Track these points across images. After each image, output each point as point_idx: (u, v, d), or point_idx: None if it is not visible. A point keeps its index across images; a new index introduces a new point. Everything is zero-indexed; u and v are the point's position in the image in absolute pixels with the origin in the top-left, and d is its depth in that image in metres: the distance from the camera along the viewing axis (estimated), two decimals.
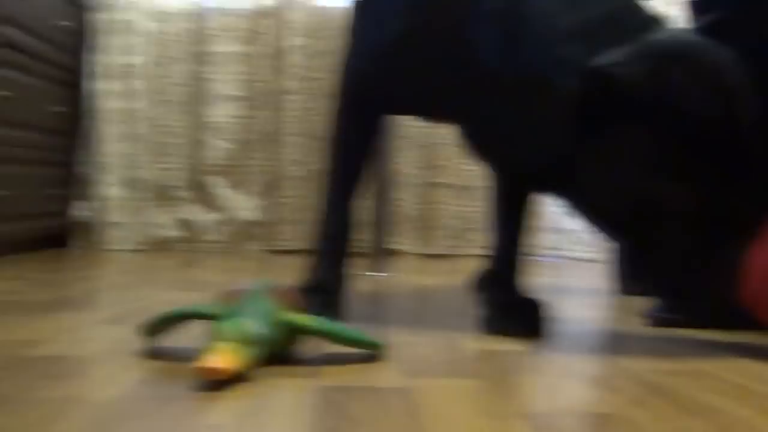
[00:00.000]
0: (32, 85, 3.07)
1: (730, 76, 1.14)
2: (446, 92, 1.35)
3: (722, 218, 1.14)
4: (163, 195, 3.59)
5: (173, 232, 3.58)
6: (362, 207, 2.78)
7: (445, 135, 3.56)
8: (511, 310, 1.38)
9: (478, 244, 3.50)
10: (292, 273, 2.37)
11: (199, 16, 3.60)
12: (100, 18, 3.57)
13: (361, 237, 2.89)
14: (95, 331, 1.30)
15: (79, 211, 3.56)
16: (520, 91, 1.24)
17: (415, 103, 1.47)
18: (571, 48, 1.19)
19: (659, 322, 1.48)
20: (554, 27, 1.20)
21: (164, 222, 3.58)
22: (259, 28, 3.59)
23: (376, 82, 1.44)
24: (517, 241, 1.50)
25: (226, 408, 0.82)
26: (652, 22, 1.21)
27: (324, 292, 1.42)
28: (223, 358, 0.89)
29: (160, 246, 3.56)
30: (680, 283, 1.19)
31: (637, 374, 1.04)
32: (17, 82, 2.93)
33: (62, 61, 3.34)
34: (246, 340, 0.93)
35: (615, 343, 1.30)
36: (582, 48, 1.18)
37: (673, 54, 1.14)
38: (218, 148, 3.59)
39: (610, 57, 1.14)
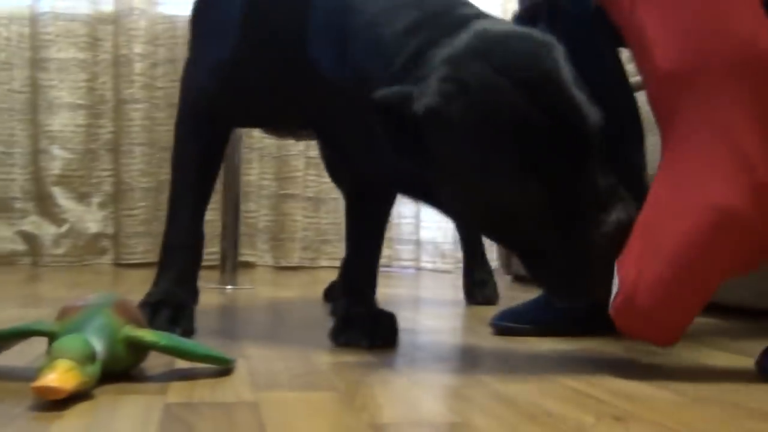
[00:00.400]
0: None
1: (545, 63, 1.09)
2: (290, 105, 1.35)
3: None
4: (2, 207, 3.44)
5: (15, 246, 3.44)
6: (212, 219, 2.75)
7: (297, 146, 3.56)
8: (361, 321, 1.39)
9: (334, 256, 3.52)
10: (143, 287, 2.32)
11: (33, 20, 3.47)
12: None
13: (212, 249, 2.86)
14: None
15: None
16: (354, 103, 1.24)
17: (260, 116, 1.46)
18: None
19: (502, 330, 1.52)
20: (376, 38, 1.19)
21: (5, 235, 3.44)
22: (99, 35, 3.50)
23: (216, 97, 1.42)
24: (368, 252, 1.51)
25: (68, 428, 0.78)
26: (475, 18, 1.18)
27: (171, 306, 1.38)
28: (60, 377, 0.85)
29: (1, 260, 3.42)
30: (568, 286, 1.14)
31: (483, 383, 1.06)
32: None
33: None
34: (85, 358, 0.90)
35: (465, 353, 1.33)
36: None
37: (473, 53, 1.09)
38: (60, 158, 3.46)
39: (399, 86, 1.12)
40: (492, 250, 3.72)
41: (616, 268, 1.09)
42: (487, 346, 1.39)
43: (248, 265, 3.47)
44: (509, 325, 1.51)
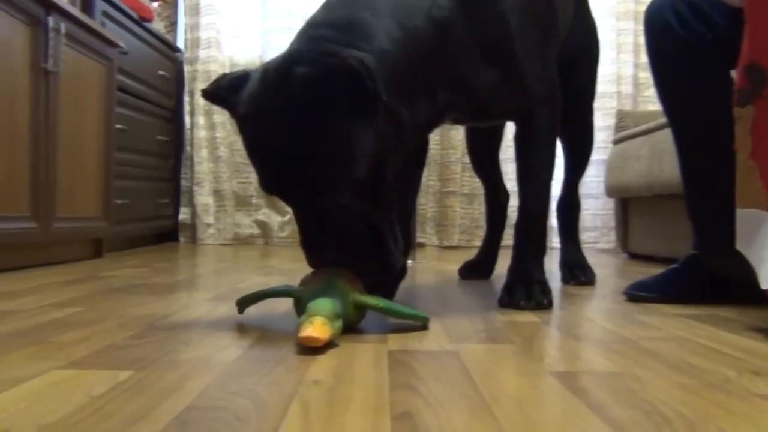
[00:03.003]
0: (142, 121, 3.08)
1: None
2: None
3: None
4: (243, 202, 3.59)
5: (253, 230, 3.59)
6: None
7: (455, 154, 3.53)
8: (520, 288, 1.35)
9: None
10: None
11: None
12: (189, 69, 3.59)
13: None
14: (206, 306, 1.29)
15: (183, 214, 3.57)
16: None
17: None
18: None
19: (634, 298, 1.45)
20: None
21: (245, 223, 3.59)
22: None
23: None
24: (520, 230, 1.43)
25: (322, 367, 0.80)
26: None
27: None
28: (318, 330, 0.88)
29: (242, 241, 3.57)
30: None
31: (629, 340, 1.01)
32: (132, 119, 2.94)
33: (163, 102, 3.35)
34: (333, 316, 0.92)
35: (606, 315, 1.28)
36: None
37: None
38: None
39: None
40: (611, 233, 3.58)
41: None
42: (623, 310, 1.34)
43: (421, 246, 3.48)
44: (640, 293, 1.44)
